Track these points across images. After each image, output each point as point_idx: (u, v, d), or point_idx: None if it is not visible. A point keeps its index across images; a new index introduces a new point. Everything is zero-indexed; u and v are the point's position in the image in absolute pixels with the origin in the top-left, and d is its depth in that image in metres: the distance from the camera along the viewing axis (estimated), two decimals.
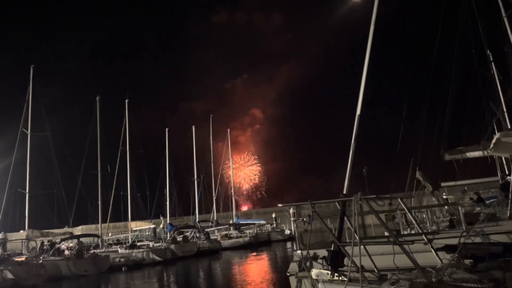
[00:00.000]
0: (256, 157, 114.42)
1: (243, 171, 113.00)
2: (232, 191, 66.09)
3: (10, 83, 66.99)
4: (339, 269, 5.38)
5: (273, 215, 63.26)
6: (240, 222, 57.67)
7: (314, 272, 5.76)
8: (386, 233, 5.92)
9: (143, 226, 46.71)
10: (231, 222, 57.88)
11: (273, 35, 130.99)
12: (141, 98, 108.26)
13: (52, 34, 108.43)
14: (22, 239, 35.67)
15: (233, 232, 51.76)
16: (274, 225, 59.93)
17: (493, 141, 10.13)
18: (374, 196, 5.06)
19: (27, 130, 36.94)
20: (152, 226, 45.62)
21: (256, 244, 46.36)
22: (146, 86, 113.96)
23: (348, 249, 5.32)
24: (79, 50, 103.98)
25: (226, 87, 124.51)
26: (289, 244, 44.31)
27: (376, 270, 5.41)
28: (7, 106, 54.51)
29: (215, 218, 58.78)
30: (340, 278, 5.30)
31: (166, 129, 55.72)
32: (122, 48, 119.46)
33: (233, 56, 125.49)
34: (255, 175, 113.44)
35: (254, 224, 57.83)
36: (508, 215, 12.99)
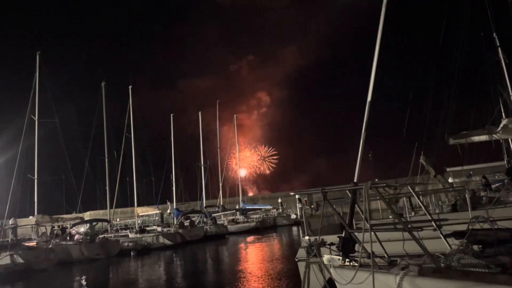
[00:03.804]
0: (262, 146, 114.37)
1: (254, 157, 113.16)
2: (239, 176, 66.56)
3: (18, 70, 67.21)
4: (350, 255, 5.53)
5: (279, 200, 63.69)
6: (247, 207, 58.12)
7: (325, 258, 5.93)
8: (395, 219, 6.04)
9: (150, 211, 47.22)
10: (237, 207, 58.34)
11: (280, 14, 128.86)
12: (146, 83, 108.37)
13: (57, 21, 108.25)
14: (31, 225, 36.23)
15: (239, 217, 52.24)
16: (280, 210, 60.38)
17: (501, 125, 10.19)
18: (384, 184, 5.18)
19: (35, 117, 37.21)
20: (158, 211, 46.09)
21: (262, 229, 46.83)
22: (151, 71, 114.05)
23: (359, 235, 5.47)
24: (84, 36, 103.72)
25: (232, 69, 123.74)
26: (294, 229, 44.69)
27: (386, 256, 5.56)
28: (15, 93, 54.76)
29: (221, 204, 59.24)
30: (351, 264, 5.46)
31: (171, 115, 55.89)
32: (127, 32, 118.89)
33: (238, 37, 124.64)
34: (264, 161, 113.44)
35: (260, 209, 58.24)
36: None
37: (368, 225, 5.14)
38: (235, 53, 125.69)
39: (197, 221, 43.97)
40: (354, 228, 5.96)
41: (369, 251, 5.09)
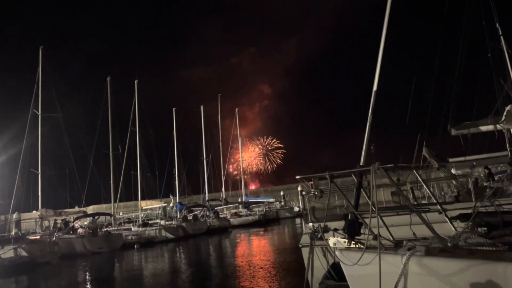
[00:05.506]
0: (265, 137, 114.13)
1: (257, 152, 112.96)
2: (241, 170, 66.61)
3: (22, 65, 67.24)
4: (356, 237, 5.54)
5: (281, 193, 63.84)
6: (249, 201, 58.23)
7: (331, 241, 5.95)
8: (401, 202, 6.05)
9: (153, 205, 47.27)
10: (240, 200, 58.41)
11: (282, 4, 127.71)
12: (150, 77, 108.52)
13: (62, 16, 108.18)
14: (35, 218, 36.32)
15: (242, 210, 52.36)
16: (283, 203, 60.52)
17: (505, 113, 10.12)
18: (392, 165, 5.17)
19: (38, 111, 37.24)
20: (163, 205, 46.15)
21: (265, 222, 46.94)
22: (154, 65, 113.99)
23: (365, 218, 5.48)
24: (89, 32, 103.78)
25: (233, 62, 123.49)
26: (297, 221, 44.79)
27: (392, 238, 5.58)
28: (20, 88, 54.72)
29: (224, 197, 59.32)
30: (357, 246, 5.47)
31: (174, 109, 55.70)
32: (130, 27, 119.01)
33: (239, 30, 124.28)
34: (275, 157, 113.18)
35: (263, 202, 58.35)
36: None
37: (374, 207, 5.14)
38: (237, 46, 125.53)
39: (200, 215, 44.08)
40: (362, 210, 5.97)
41: (375, 233, 5.10)
